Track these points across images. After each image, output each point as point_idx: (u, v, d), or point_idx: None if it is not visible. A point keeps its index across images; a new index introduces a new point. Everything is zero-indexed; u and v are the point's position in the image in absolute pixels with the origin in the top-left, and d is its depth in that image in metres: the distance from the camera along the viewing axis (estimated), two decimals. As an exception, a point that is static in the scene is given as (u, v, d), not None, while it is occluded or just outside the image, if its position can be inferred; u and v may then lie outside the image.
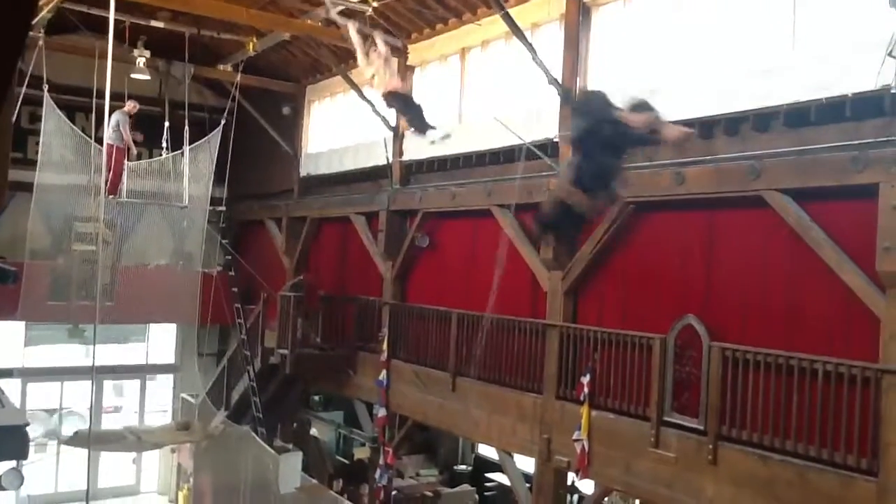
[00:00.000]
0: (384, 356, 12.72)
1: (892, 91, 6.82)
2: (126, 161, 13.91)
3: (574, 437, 9.14)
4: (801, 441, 7.11)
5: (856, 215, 7.02)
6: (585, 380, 9.14)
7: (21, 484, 10.34)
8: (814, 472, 6.93)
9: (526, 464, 11.45)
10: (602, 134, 4.94)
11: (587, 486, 11.65)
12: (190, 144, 14.30)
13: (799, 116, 7.66)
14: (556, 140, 10.27)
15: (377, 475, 12.70)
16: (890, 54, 6.81)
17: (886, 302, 6.67)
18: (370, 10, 11.17)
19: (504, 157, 11.33)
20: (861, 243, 6.90)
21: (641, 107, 5.28)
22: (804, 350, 7.24)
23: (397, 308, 13.03)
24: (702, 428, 7.94)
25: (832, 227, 7.22)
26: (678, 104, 8.78)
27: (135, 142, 14.22)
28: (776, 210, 7.60)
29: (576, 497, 11.95)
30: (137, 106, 13.68)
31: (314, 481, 13.53)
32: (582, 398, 9.15)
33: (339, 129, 16.11)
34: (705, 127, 8.55)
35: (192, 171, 14.81)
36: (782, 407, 7.30)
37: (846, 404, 6.82)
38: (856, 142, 7.10)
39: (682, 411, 8.22)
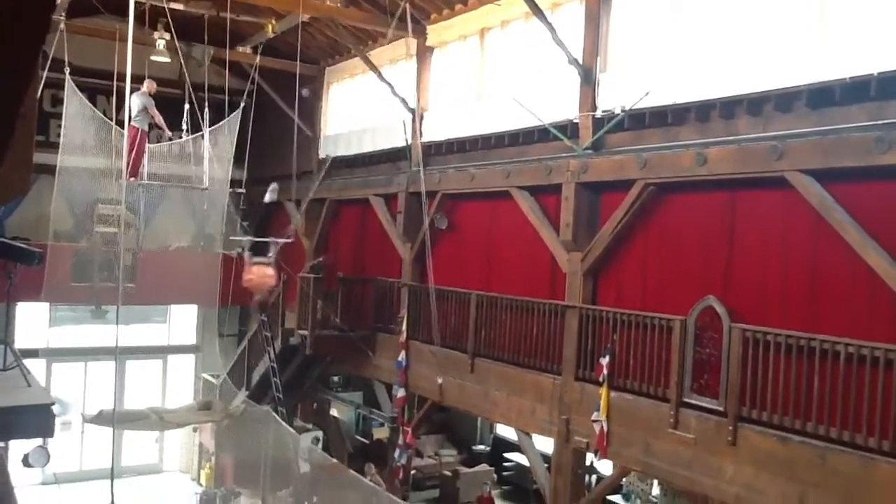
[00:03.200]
0: (403, 337, 12.79)
1: (919, 70, 6.72)
2: (147, 144, 14.00)
3: (593, 417, 9.17)
4: (821, 423, 7.09)
5: (880, 196, 6.96)
6: (605, 361, 9.14)
7: (47, 461, 10.52)
8: (834, 453, 6.91)
9: (544, 444, 11.50)
10: None
11: (606, 467, 11.70)
12: (210, 127, 14.35)
13: (822, 96, 7.57)
14: (575, 121, 10.22)
15: (396, 455, 12.81)
16: (916, 32, 6.71)
17: (911, 284, 6.62)
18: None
19: (523, 138, 11.30)
20: (885, 225, 6.84)
21: None
22: (826, 332, 7.20)
23: (416, 289, 13.07)
24: (721, 409, 7.92)
25: (855, 208, 7.14)
26: (700, 84, 8.72)
27: (154, 125, 14.29)
28: (799, 191, 7.53)
29: (594, 477, 11.98)
30: (155, 85, 13.72)
31: (334, 460, 13.66)
32: (601, 379, 9.16)
33: (358, 111, 16.11)
34: (727, 107, 8.48)
35: (213, 153, 14.88)
36: (803, 388, 7.27)
37: (868, 386, 6.78)
38: (880, 122, 7.01)
39: (702, 392, 8.21)
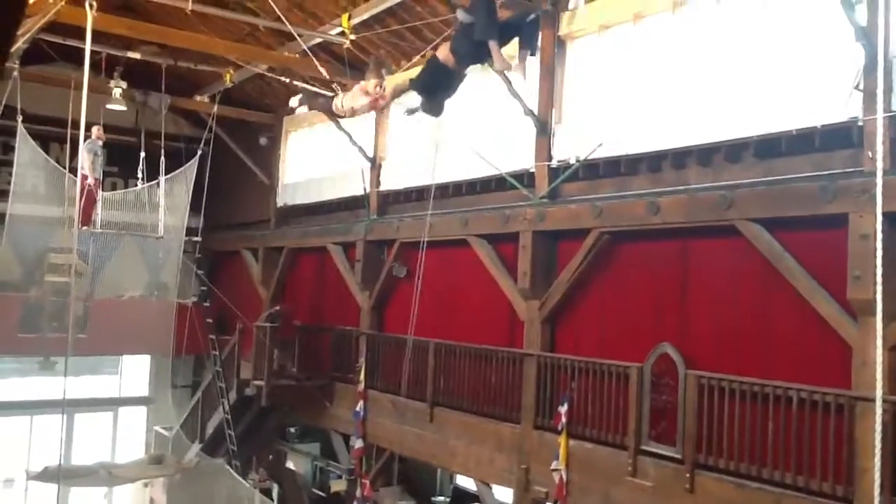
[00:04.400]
0: (361, 386, 12.66)
1: (859, 123, 6.98)
2: (101, 191, 13.83)
3: (552, 466, 9.12)
4: (776, 468, 7.16)
5: (827, 244, 7.13)
6: (563, 409, 9.14)
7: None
8: (790, 499, 6.97)
9: (504, 494, 11.38)
10: (482, 22, 5.90)
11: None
12: (166, 175, 14.26)
13: (769, 147, 7.81)
14: (532, 170, 10.36)
15: (354, 507, 12.57)
16: (856, 87, 6.98)
17: (858, 329, 6.77)
18: (347, 42, 11.25)
19: (481, 186, 11.41)
20: (832, 272, 7.01)
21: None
22: (779, 377, 7.31)
23: (374, 338, 12.99)
24: (679, 456, 7.96)
25: (804, 255, 7.33)
26: (652, 135, 8.93)
27: (108, 173, 14.11)
28: (749, 239, 7.71)
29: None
30: (102, 131, 13.55)
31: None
32: (560, 427, 9.14)
33: (317, 160, 16.15)
34: (678, 157, 8.68)
35: (168, 201, 14.76)
36: (758, 434, 7.35)
37: (821, 431, 6.88)
38: (825, 172, 7.24)
39: (660, 440, 8.24)
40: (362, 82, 7.60)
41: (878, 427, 5.67)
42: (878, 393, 5.68)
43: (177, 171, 14.70)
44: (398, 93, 7.01)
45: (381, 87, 7.28)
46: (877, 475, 5.81)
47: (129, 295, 17.70)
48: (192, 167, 14.70)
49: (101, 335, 15.78)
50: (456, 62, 6.13)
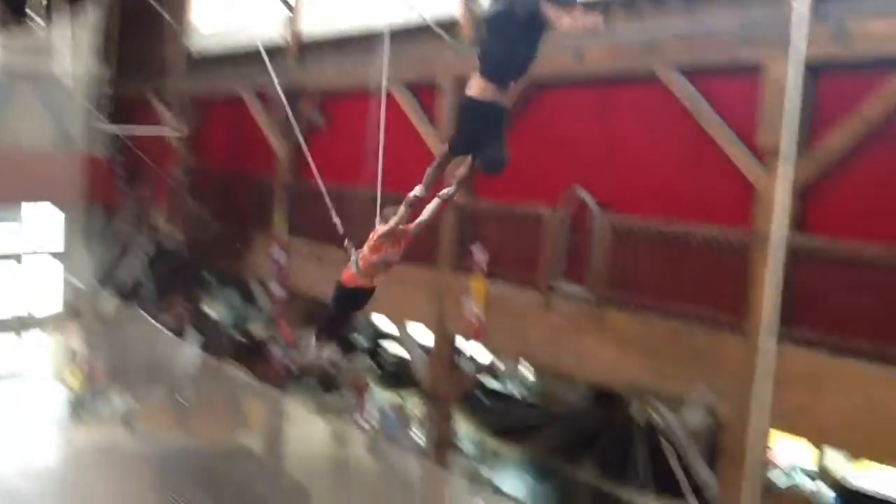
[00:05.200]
0: (279, 233, 12.71)
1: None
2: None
3: (469, 306, 9.55)
4: (679, 303, 7.72)
5: (741, 92, 7.43)
6: (479, 250, 9.49)
7: None
8: (690, 330, 7.58)
9: (423, 335, 11.86)
10: (519, 21, 4.46)
11: (482, 354, 12.27)
12: (69, 18, 13.45)
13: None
14: (458, 18, 10.22)
15: (274, 351, 12.90)
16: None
17: (764, 173, 7.20)
18: None
19: (406, 35, 11.19)
20: (745, 119, 7.35)
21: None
22: (692, 219, 7.77)
23: (292, 186, 12.94)
24: (589, 295, 8.46)
25: (720, 103, 7.63)
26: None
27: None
28: (668, 86, 7.94)
29: (471, 364, 12.52)
30: None
31: (211, 359, 13.62)
32: (477, 270, 9.52)
33: (233, 4, 15.42)
34: (604, 5, 8.72)
35: (71, 46, 14.01)
36: (664, 272, 7.87)
37: (721, 268, 7.43)
38: (746, 20, 7.41)
39: (572, 279, 8.71)
40: (375, 234, 5.50)
41: (777, 263, 6.16)
42: (778, 232, 6.14)
43: (79, 14, 13.89)
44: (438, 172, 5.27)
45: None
46: (770, 306, 6.37)
47: (29, 144, 16.92)
48: (97, 10, 13.90)
49: (3, 187, 15.17)
50: (496, 86, 4.51)
